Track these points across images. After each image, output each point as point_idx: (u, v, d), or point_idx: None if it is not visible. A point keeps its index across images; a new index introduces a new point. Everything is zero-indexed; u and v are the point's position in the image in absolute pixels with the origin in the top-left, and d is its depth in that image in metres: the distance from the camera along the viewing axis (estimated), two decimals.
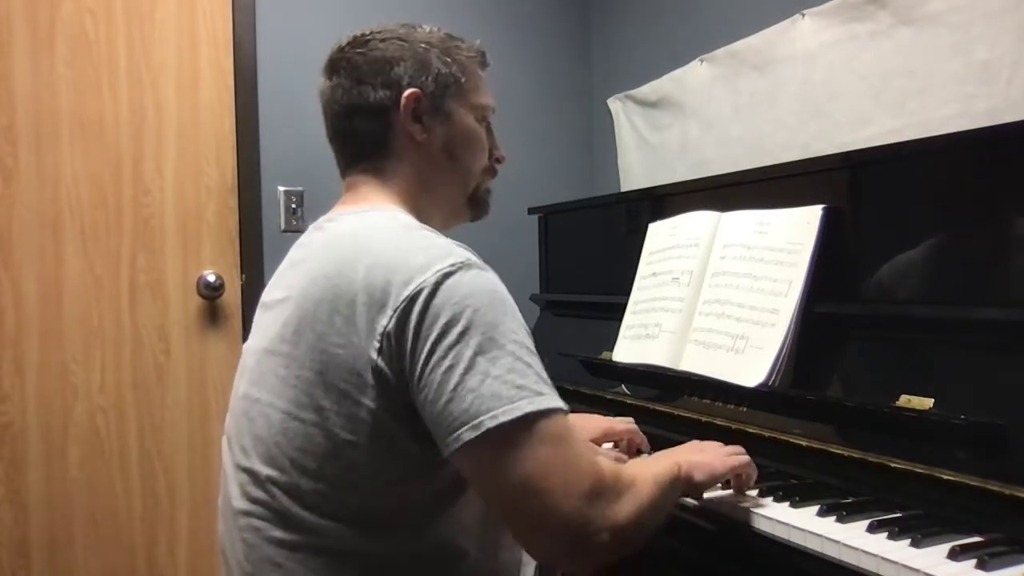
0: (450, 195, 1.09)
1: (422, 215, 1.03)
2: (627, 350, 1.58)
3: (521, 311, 0.91)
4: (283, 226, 2.35)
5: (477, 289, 0.86)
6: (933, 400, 1.03)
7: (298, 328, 0.92)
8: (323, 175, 2.50)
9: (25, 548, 2.07)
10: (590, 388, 1.67)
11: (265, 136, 2.33)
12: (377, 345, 0.86)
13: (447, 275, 0.86)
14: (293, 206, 2.36)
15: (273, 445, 0.92)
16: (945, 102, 1.57)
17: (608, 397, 1.61)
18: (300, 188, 2.36)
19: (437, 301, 0.84)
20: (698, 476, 1.02)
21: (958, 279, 1.14)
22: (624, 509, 0.86)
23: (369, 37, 1.05)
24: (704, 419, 1.35)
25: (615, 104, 2.63)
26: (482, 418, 0.81)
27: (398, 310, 0.85)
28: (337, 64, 1.05)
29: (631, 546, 0.88)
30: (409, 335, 0.85)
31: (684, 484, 0.99)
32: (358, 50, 1.04)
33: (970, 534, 0.90)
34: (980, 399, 1.00)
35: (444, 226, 1.08)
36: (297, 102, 2.38)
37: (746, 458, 1.10)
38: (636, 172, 2.54)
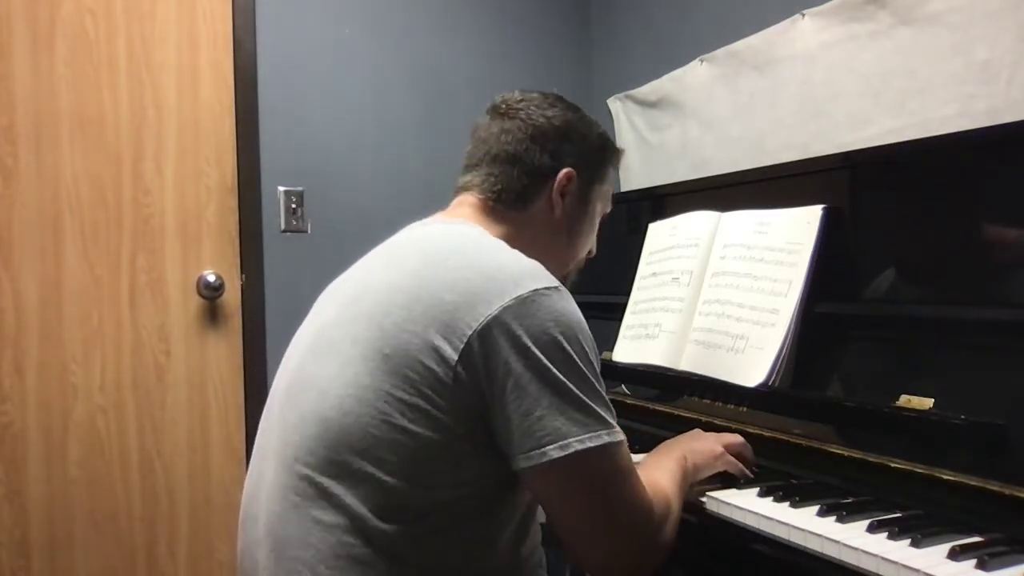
0: (546, 266, 1.10)
1: None
2: (627, 350, 1.58)
3: None
4: (283, 226, 2.35)
5: (569, 314, 0.90)
6: (933, 400, 1.03)
7: (374, 311, 0.92)
8: (323, 175, 2.52)
9: (25, 548, 2.07)
10: None
11: (265, 136, 2.33)
12: (460, 347, 0.86)
13: (543, 294, 0.89)
14: (293, 206, 2.36)
15: (328, 418, 0.91)
16: (945, 102, 1.57)
17: (608, 397, 1.61)
18: (300, 188, 2.36)
19: (532, 320, 0.87)
20: (700, 461, 1.10)
21: (958, 279, 1.14)
22: (671, 527, 0.97)
23: (550, 102, 1.11)
24: (704, 419, 1.35)
25: (615, 104, 2.63)
26: (570, 440, 0.86)
27: (488, 316, 0.87)
28: (514, 112, 1.10)
29: None
30: (499, 347, 0.86)
31: (692, 474, 1.08)
32: (540, 111, 1.10)
33: (970, 534, 0.90)
34: (980, 399, 1.00)
35: None
36: (297, 102, 2.38)
37: (739, 441, 1.18)
38: (636, 172, 2.54)
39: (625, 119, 2.59)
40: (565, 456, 0.85)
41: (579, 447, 0.86)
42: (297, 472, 0.92)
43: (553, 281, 0.92)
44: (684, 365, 1.42)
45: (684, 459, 1.07)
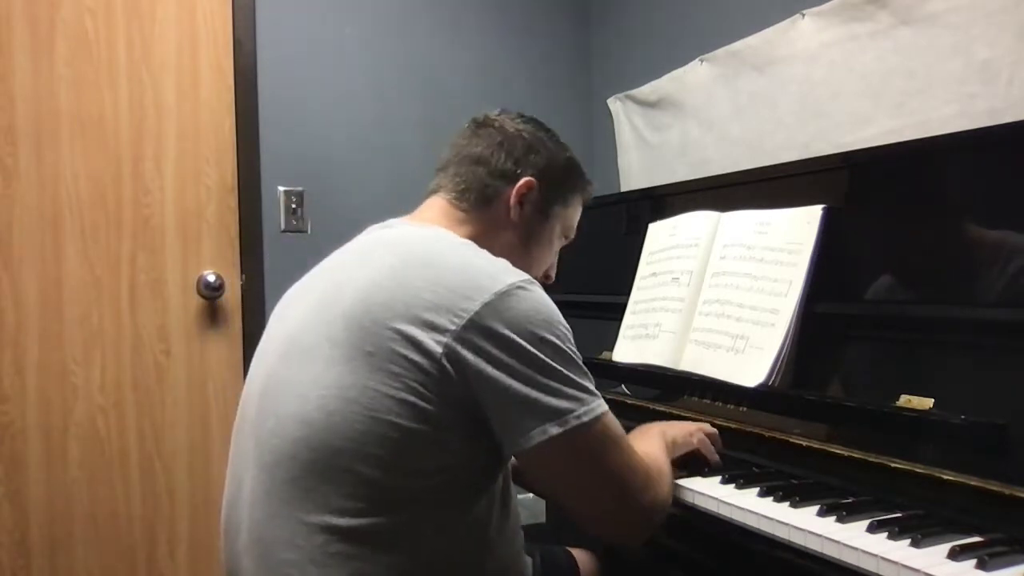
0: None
1: None
2: (627, 350, 1.58)
3: None
4: (283, 226, 2.35)
5: (546, 305, 0.95)
6: (933, 400, 1.03)
7: (351, 312, 0.93)
8: (323, 175, 2.52)
9: (25, 548, 2.07)
10: None
11: (265, 136, 2.33)
12: (445, 340, 0.89)
13: (519, 288, 0.93)
14: (293, 206, 2.36)
15: (311, 420, 0.92)
16: (945, 102, 1.57)
17: (608, 397, 1.59)
18: (300, 188, 2.36)
19: (512, 312, 0.91)
20: (678, 437, 1.18)
21: (958, 279, 1.14)
22: (666, 489, 1.04)
23: (524, 119, 1.18)
24: (704, 419, 1.35)
25: (615, 104, 2.63)
26: (567, 416, 0.91)
27: (470, 311, 0.90)
28: (489, 123, 1.16)
29: None
30: (485, 338, 0.89)
31: (671, 447, 1.15)
32: (512, 123, 1.16)
33: (970, 534, 0.90)
34: (980, 399, 1.00)
35: None
36: (297, 102, 2.38)
37: (706, 426, 1.25)
38: (636, 172, 2.54)
39: (625, 119, 2.59)
40: (565, 431, 0.90)
41: (575, 422, 0.91)
42: (280, 477, 0.93)
43: (526, 277, 0.96)
44: (684, 365, 1.42)
45: (663, 433, 1.16)
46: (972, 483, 0.93)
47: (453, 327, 0.89)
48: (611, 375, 1.63)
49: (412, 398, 0.89)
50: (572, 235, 1.27)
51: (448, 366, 0.89)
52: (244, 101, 2.30)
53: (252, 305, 2.30)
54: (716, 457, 1.22)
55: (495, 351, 0.90)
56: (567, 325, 0.97)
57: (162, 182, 2.22)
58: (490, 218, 1.13)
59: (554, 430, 0.90)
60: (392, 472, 0.90)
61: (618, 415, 1.44)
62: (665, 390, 1.50)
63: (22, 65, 2.07)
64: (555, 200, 1.19)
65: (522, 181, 1.13)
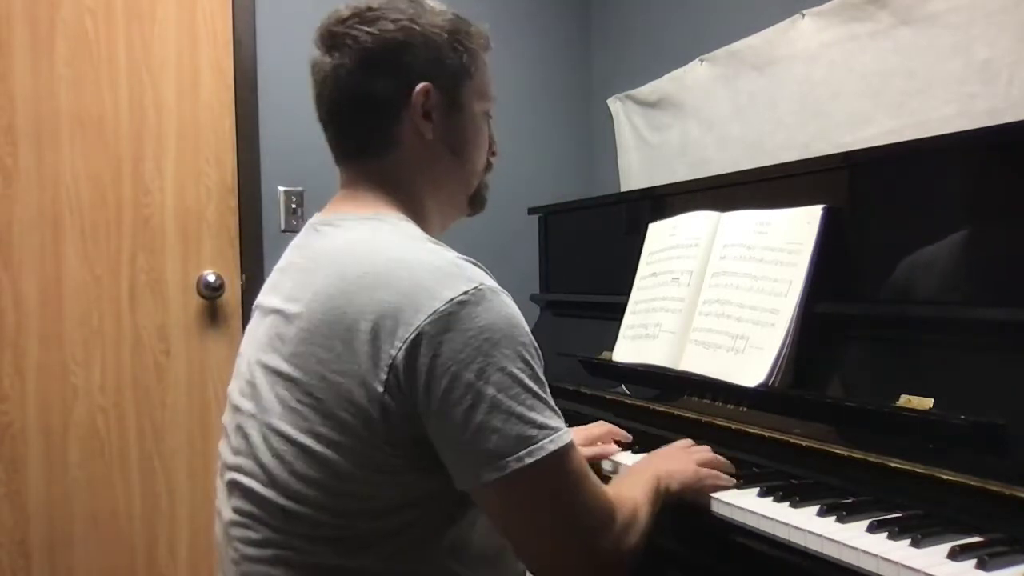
0: (453, 194, 1.06)
1: (422, 216, 1.01)
2: (627, 350, 1.58)
3: (521, 311, 0.90)
4: (283, 226, 2.35)
5: (493, 320, 0.83)
6: (933, 400, 1.03)
7: (298, 351, 0.87)
8: (323, 175, 2.50)
9: (25, 548, 2.07)
10: (590, 388, 1.67)
11: (265, 136, 2.33)
12: (384, 377, 0.81)
13: (461, 303, 0.82)
14: (293, 206, 2.36)
15: (265, 464, 0.88)
16: (945, 102, 1.57)
17: (608, 397, 1.61)
18: (300, 188, 2.36)
19: (453, 335, 0.81)
20: (674, 487, 1.05)
21: (958, 279, 1.14)
22: (634, 536, 0.90)
23: (376, 14, 0.95)
24: (704, 419, 1.35)
25: (615, 104, 2.63)
26: (508, 459, 0.80)
27: (407, 341, 0.81)
28: (339, 39, 0.95)
29: None
30: (422, 369, 0.81)
31: (664, 495, 1.03)
32: (366, 28, 0.94)
33: (970, 534, 0.90)
34: (980, 399, 1.00)
35: (443, 227, 1.07)
36: (297, 102, 2.36)
37: (712, 456, 1.15)
38: (636, 172, 2.54)
39: (625, 119, 2.59)
40: (512, 473, 0.80)
41: (529, 459, 0.81)
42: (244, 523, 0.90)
43: (472, 281, 0.84)
44: (684, 365, 1.42)
45: (657, 479, 1.02)
46: (972, 483, 0.93)
47: (390, 360, 0.81)
48: (611, 375, 1.63)
49: (363, 447, 0.84)
50: (493, 93, 1.05)
51: (391, 402, 0.82)
52: (244, 101, 2.30)
53: (252, 305, 2.30)
54: (731, 481, 1.12)
55: (434, 381, 0.81)
56: (522, 334, 0.85)
57: (162, 182, 2.22)
58: (404, 157, 0.98)
59: (496, 474, 0.80)
60: (352, 516, 0.87)
61: (618, 415, 1.45)
62: (665, 390, 1.49)
63: (22, 65, 2.07)
64: (459, 81, 0.99)
65: (416, 93, 0.95)
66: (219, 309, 2.28)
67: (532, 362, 0.85)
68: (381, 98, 0.95)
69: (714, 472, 1.12)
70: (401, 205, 0.99)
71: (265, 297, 1.02)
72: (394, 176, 0.99)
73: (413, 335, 0.81)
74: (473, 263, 0.89)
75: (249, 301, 2.31)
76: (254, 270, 2.31)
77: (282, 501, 0.87)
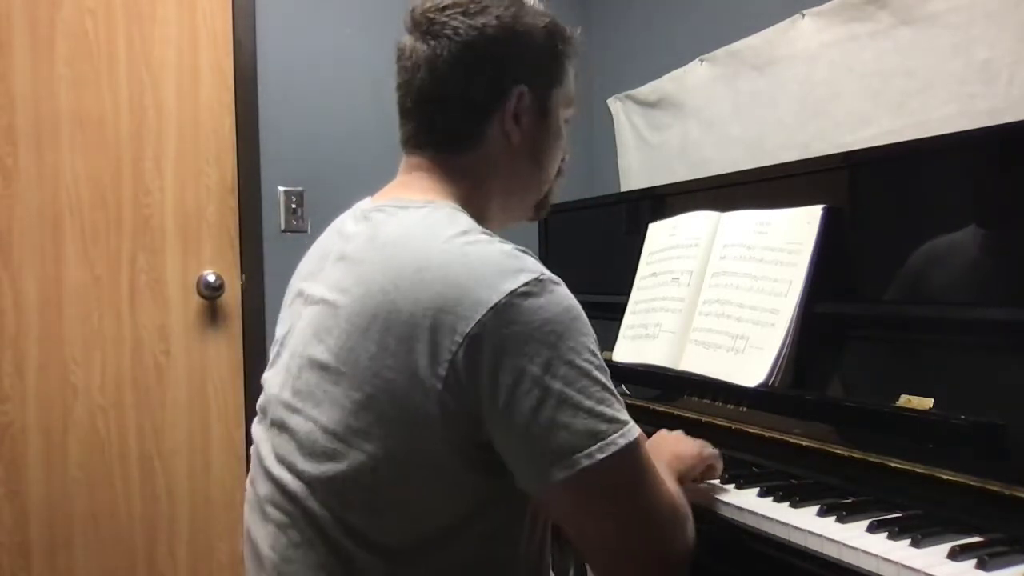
0: (523, 198, 1.02)
1: (483, 214, 0.95)
2: (627, 350, 1.58)
3: None
4: (283, 226, 2.35)
5: (556, 312, 0.79)
6: (933, 400, 1.03)
7: (349, 344, 0.82)
8: (323, 175, 2.52)
9: (25, 548, 2.07)
10: None
11: (265, 136, 2.33)
12: (443, 374, 0.77)
13: (524, 295, 0.78)
14: (293, 206, 2.36)
15: (313, 461, 0.84)
16: (945, 102, 1.57)
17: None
18: (300, 188, 2.36)
19: (516, 328, 0.77)
20: (684, 468, 1.05)
21: (958, 279, 1.14)
22: (691, 523, 0.88)
23: (479, 7, 0.91)
24: (704, 419, 1.35)
25: (615, 104, 2.63)
26: (578, 455, 0.77)
27: (467, 336, 0.77)
28: (438, 28, 0.91)
29: None
30: (484, 365, 0.77)
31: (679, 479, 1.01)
32: (468, 21, 0.90)
33: (970, 534, 0.90)
34: (980, 399, 1.00)
35: (502, 226, 1.00)
36: (297, 102, 2.38)
37: (710, 448, 1.12)
38: (636, 172, 2.54)
39: (625, 119, 2.59)
40: (581, 471, 0.76)
41: (600, 455, 0.77)
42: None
43: (532, 272, 0.80)
44: (684, 365, 1.42)
45: (672, 466, 1.01)
46: (972, 483, 0.93)
47: (450, 355, 0.77)
48: (611, 375, 1.63)
49: (419, 445, 0.81)
50: (574, 106, 1.03)
51: (451, 400, 0.78)
52: (244, 101, 2.30)
53: (252, 305, 2.30)
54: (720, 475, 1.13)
55: (496, 378, 0.77)
56: (583, 325, 0.82)
57: (162, 182, 2.22)
58: (486, 155, 0.94)
59: (563, 473, 0.76)
60: (400, 519, 0.83)
61: None
62: (665, 390, 1.49)
63: (22, 65, 2.07)
64: (551, 87, 0.96)
65: (510, 97, 0.93)
66: (219, 309, 2.28)
67: (598, 353, 0.82)
68: (475, 95, 0.93)
69: (714, 452, 1.12)
70: (462, 198, 0.94)
71: (307, 284, 0.96)
72: (467, 172, 0.95)
73: (474, 330, 0.77)
74: (530, 253, 0.85)
75: (249, 301, 2.33)
76: (254, 270, 2.31)
77: (325, 501, 0.83)
